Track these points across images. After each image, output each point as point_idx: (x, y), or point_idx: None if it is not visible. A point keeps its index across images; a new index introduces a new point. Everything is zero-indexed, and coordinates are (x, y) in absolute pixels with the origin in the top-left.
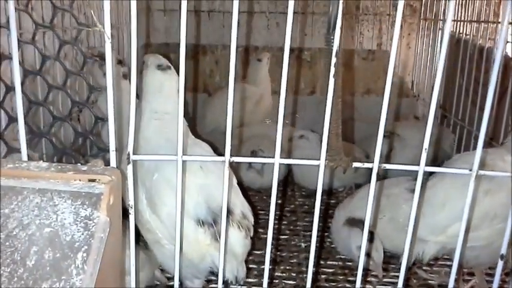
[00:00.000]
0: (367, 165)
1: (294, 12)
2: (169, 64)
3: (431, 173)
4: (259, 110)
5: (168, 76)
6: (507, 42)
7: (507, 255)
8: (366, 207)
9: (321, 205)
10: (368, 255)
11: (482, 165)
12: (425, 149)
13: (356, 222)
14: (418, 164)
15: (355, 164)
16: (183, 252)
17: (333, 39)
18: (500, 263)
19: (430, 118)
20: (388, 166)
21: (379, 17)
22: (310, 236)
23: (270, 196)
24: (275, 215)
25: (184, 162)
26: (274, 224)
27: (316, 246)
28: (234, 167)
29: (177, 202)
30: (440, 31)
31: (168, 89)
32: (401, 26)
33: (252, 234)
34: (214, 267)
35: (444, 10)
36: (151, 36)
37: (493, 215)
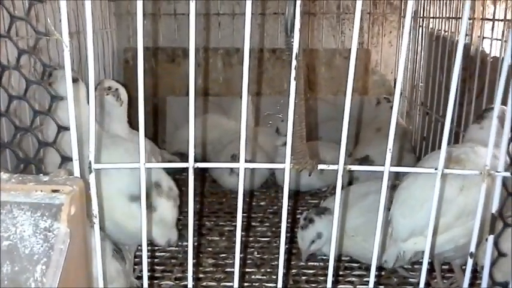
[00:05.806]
0: (332, 167)
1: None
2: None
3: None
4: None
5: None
6: (483, 38)
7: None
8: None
9: (302, 206)
10: None
11: (456, 161)
12: (390, 149)
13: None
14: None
15: (321, 166)
16: (124, 226)
17: (293, 41)
18: (470, 261)
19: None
20: (353, 167)
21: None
22: (292, 237)
23: (252, 198)
24: (257, 217)
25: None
26: (256, 226)
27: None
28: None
29: (142, 205)
30: (420, 28)
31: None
32: (382, 23)
33: (178, 203)
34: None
35: (424, 7)
36: (131, 40)
37: (468, 211)
